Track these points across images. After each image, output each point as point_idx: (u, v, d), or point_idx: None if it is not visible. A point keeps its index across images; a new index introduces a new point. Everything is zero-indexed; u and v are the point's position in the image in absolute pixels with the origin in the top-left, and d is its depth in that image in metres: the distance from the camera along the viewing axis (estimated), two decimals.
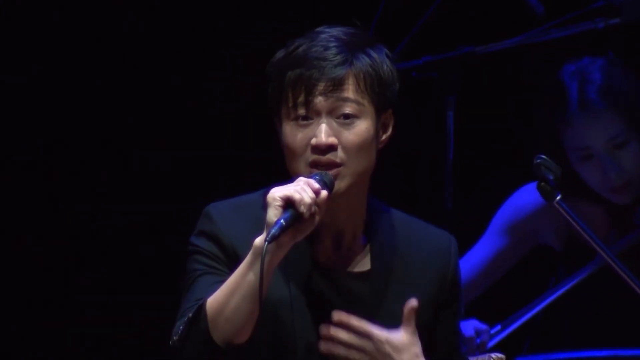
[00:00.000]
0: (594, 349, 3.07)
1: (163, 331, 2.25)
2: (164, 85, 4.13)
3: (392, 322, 2.22)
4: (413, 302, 2.21)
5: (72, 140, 4.13)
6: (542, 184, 2.42)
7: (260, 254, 2.08)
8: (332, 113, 2.18)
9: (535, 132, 3.29)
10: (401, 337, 2.21)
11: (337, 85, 2.17)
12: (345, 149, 2.18)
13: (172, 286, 2.40)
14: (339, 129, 2.18)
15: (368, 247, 2.28)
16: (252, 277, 2.10)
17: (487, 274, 3.26)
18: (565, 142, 3.17)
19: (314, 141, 2.18)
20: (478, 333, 3.07)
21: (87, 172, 4.15)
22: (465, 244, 3.26)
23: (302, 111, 2.18)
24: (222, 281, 2.17)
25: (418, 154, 4.05)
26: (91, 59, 4.09)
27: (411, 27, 3.17)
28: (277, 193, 2.11)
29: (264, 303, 2.12)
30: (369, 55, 2.21)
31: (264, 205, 2.15)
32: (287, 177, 2.23)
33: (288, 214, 2.10)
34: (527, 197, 3.26)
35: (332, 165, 2.18)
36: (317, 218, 2.13)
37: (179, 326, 2.16)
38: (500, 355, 2.39)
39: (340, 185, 2.19)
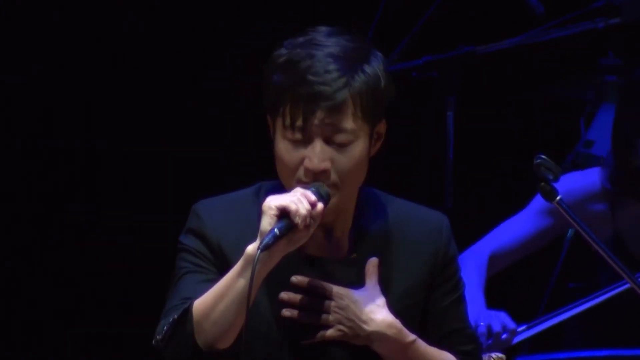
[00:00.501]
0: (594, 349, 3.07)
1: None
2: (164, 85, 4.13)
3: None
4: (374, 260, 2.21)
5: (70, 139, 4.13)
6: (542, 184, 2.41)
7: (252, 261, 2.07)
8: (328, 139, 2.17)
9: (614, 127, 3.26)
10: (361, 291, 2.21)
11: (335, 111, 2.15)
12: (338, 172, 2.17)
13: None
14: (333, 152, 2.17)
15: (357, 234, 2.27)
16: (242, 283, 2.09)
17: (520, 250, 3.25)
18: None
19: (307, 163, 2.16)
20: (505, 329, 3.06)
21: (87, 172, 4.15)
22: (465, 244, 3.25)
23: (298, 135, 2.17)
24: (208, 280, 2.17)
25: (418, 154, 4.05)
26: (91, 59, 4.09)
27: (411, 27, 3.17)
28: (273, 202, 2.10)
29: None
30: (365, 73, 2.18)
31: (254, 203, 2.16)
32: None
33: (282, 223, 2.08)
34: (578, 182, 3.25)
35: (325, 183, 2.17)
36: (311, 230, 2.13)
37: (164, 326, 2.16)
38: (500, 355, 2.39)
39: (331, 201, 2.17)
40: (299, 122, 2.16)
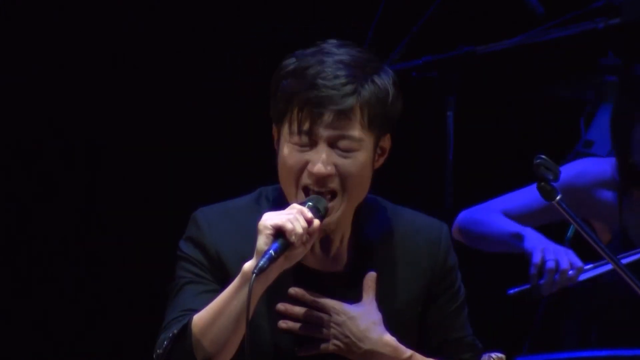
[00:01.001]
0: (594, 349, 3.07)
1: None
2: (164, 86, 4.13)
3: (383, 319, 2.23)
4: (372, 275, 2.22)
5: (70, 139, 4.13)
6: (542, 183, 2.41)
7: (248, 280, 2.07)
8: (333, 144, 2.17)
9: (611, 120, 3.27)
10: (358, 307, 2.21)
11: (342, 117, 2.16)
12: (342, 178, 2.17)
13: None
14: (337, 158, 2.17)
15: (355, 246, 2.27)
16: (239, 301, 2.10)
17: (525, 219, 3.25)
18: (637, 129, 3.15)
19: (311, 168, 2.16)
20: (572, 266, 3.05)
21: (86, 172, 4.15)
22: (466, 244, 3.26)
23: (304, 139, 2.17)
24: (208, 291, 2.17)
25: (418, 154, 4.05)
26: (91, 59, 4.09)
27: (411, 27, 3.17)
28: (268, 221, 2.10)
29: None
30: (375, 84, 2.18)
31: (254, 211, 2.16)
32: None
33: (277, 244, 2.08)
34: (592, 167, 3.25)
35: (327, 190, 2.17)
36: (308, 246, 2.14)
37: (164, 340, 2.16)
38: (500, 355, 2.39)
39: (334, 217, 2.18)
40: (305, 126, 2.16)
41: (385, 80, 2.20)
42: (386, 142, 2.26)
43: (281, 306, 2.20)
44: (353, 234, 2.27)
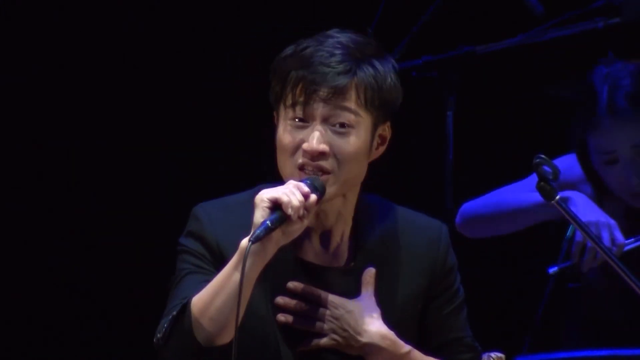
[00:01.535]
0: (594, 349, 3.07)
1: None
2: (164, 86, 4.13)
3: (382, 316, 2.23)
4: (371, 270, 2.22)
5: (70, 139, 4.13)
6: (542, 183, 2.42)
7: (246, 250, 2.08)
8: (329, 120, 2.18)
9: (567, 131, 3.28)
10: (356, 301, 2.22)
11: (337, 93, 2.16)
12: (336, 157, 2.18)
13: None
14: (332, 136, 2.17)
15: (356, 242, 2.28)
16: (237, 277, 2.09)
17: None
18: (591, 145, 3.16)
19: (305, 145, 2.17)
20: (613, 242, 3.03)
21: (87, 172, 4.15)
22: (466, 244, 3.25)
23: (299, 113, 2.18)
24: (208, 280, 2.17)
25: (418, 154, 4.05)
26: (91, 59, 4.09)
27: (411, 27, 3.17)
28: (265, 195, 2.11)
29: (248, 304, 2.12)
30: (373, 67, 2.19)
31: (253, 205, 2.15)
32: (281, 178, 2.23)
33: (275, 215, 2.09)
34: (577, 163, 3.25)
35: (321, 171, 2.18)
36: (305, 222, 2.13)
37: (163, 324, 2.16)
38: (500, 355, 2.39)
39: (328, 190, 2.18)
40: (300, 102, 2.17)
41: (384, 66, 2.21)
42: (386, 131, 2.26)
43: (280, 299, 2.21)
44: (353, 230, 2.28)
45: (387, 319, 2.23)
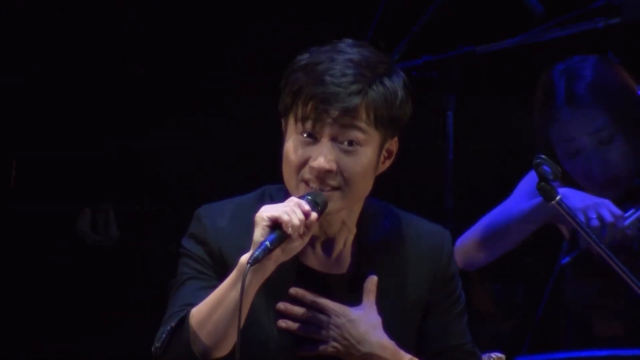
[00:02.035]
0: (594, 349, 3.06)
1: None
2: (164, 85, 4.13)
3: (383, 323, 2.23)
4: (373, 278, 2.22)
5: (69, 139, 4.13)
6: (542, 183, 2.42)
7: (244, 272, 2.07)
8: (337, 138, 2.17)
9: (532, 129, 3.29)
10: (358, 310, 2.22)
11: (347, 115, 2.15)
12: (343, 175, 2.17)
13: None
14: (340, 154, 2.17)
15: (358, 249, 2.28)
16: (235, 294, 2.08)
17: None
18: (553, 137, 3.16)
19: (313, 163, 2.16)
20: (614, 216, 3.02)
21: (86, 172, 4.15)
22: None
23: (308, 129, 2.16)
24: (209, 286, 2.17)
25: (418, 154, 4.05)
26: (91, 59, 4.09)
27: (411, 27, 3.17)
28: (265, 213, 2.09)
29: (250, 309, 2.12)
30: (384, 86, 2.18)
31: (256, 208, 2.13)
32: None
33: (274, 235, 2.07)
34: None
35: (329, 186, 2.17)
36: (306, 239, 2.13)
37: (162, 334, 2.16)
38: (500, 355, 2.39)
39: (333, 206, 2.17)
40: (310, 120, 2.16)
41: (395, 83, 2.20)
42: (393, 145, 2.26)
43: (281, 305, 2.21)
44: (356, 237, 2.27)
45: (388, 327, 2.23)
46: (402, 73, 2.25)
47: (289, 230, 2.07)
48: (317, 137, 2.17)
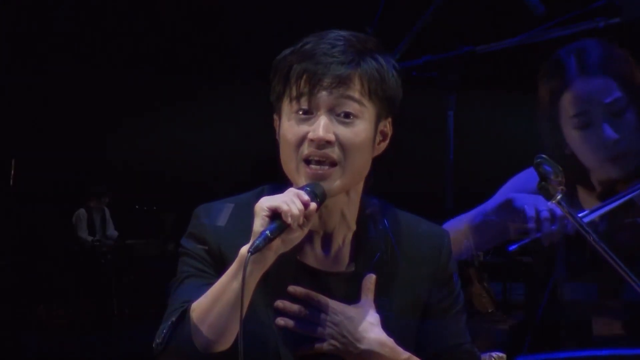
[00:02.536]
0: (594, 349, 3.07)
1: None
2: (164, 85, 4.14)
3: (381, 322, 2.23)
4: (371, 277, 2.22)
5: (69, 139, 4.15)
6: (543, 183, 2.42)
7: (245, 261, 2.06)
8: (333, 110, 2.17)
9: (536, 116, 3.26)
10: (356, 308, 2.21)
11: (342, 82, 2.15)
12: (342, 146, 2.17)
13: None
14: (338, 125, 2.17)
15: (357, 246, 2.28)
16: (236, 285, 2.08)
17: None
18: (563, 112, 3.13)
19: (311, 135, 2.16)
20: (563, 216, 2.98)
21: (88, 172, 4.17)
22: None
23: (304, 105, 2.17)
24: (208, 284, 2.16)
25: (418, 154, 4.06)
26: (91, 59, 4.10)
27: (411, 27, 3.17)
28: (265, 203, 2.09)
29: (249, 306, 2.11)
30: (376, 60, 2.19)
31: (254, 206, 2.13)
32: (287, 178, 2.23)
33: (274, 225, 2.08)
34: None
35: (328, 159, 2.17)
36: (305, 230, 2.13)
37: (163, 329, 2.16)
38: (500, 354, 2.39)
39: (333, 185, 2.17)
40: (305, 92, 2.17)
41: (386, 61, 2.21)
42: (387, 127, 2.26)
43: (280, 303, 2.21)
44: (355, 234, 2.27)
45: (387, 326, 2.23)
46: (390, 56, 2.25)
47: (289, 220, 2.08)
48: (313, 112, 2.17)
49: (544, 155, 2.41)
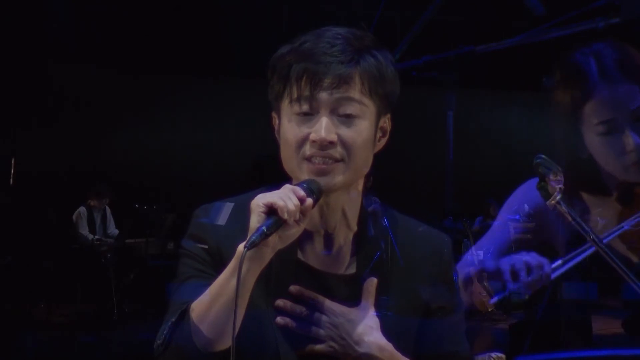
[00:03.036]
0: (594, 349, 3.07)
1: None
2: (164, 85, 4.14)
3: (381, 324, 2.23)
4: (372, 280, 2.22)
5: (69, 139, 4.14)
6: (542, 183, 2.42)
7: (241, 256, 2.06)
8: (335, 110, 2.16)
9: (551, 120, 3.24)
10: (356, 311, 2.21)
11: (342, 82, 2.15)
12: (345, 146, 2.16)
13: None
14: (339, 125, 2.16)
15: (358, 248, 2.27)
16: (234, 283, 2.07)
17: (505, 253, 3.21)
18: (586, 119, 3.10)
19: (313, 136, 2.15)
20: (540, 263, 2.96)
21: (88, 172, 4.16)
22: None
23: (305, 106, 2.16)
24: (208, 284, 2.16)
25: (418, 154, 4.06)
26: (91, 59, 4.10)
27: (411, 27, 3.17)
28: (261, 200, 2.09)
29: (249, 305, 2.11)
30: (374, 57, 2.19)
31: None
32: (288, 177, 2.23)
33: (270, 220, 2.07)
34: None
35: (331, 159, 2.16)
36: (302, 225, 2.12)
37: (163, 330, 2.16)
38: (500, 354, 2.39)
39: (335, 179, 2.17)
40: (305, 93, 2.16)
41: (384, 57, 2.21)
42: (387, 123, 2.26)
43: (280, 302, 2.21)
44: (356, 236, 2.27)
45: (386, 327, 2.23)
46: (389, 53, 2.25)
47: (285, 216, 2.07)
48: (313, 112, 2.16)
49: (543, 156, 2.41)
